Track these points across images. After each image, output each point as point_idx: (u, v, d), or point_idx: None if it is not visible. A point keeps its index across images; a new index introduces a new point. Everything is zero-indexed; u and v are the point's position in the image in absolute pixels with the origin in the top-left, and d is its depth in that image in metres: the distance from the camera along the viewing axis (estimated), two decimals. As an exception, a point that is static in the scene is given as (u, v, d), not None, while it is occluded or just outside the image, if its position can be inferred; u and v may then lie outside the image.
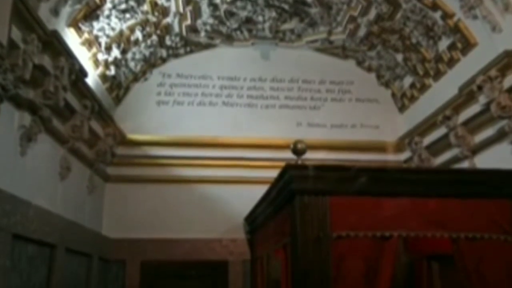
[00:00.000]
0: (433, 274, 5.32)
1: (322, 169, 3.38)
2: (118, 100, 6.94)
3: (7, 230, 3.65)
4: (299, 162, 3.50)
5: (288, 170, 3.39)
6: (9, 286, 3.74)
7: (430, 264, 5.37)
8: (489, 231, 3.47)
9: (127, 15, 5.91)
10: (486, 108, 5.06)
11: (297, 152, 3.55)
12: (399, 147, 7.29)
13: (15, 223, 3.79)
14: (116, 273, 6.55)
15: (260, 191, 4.64)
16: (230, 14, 6.77)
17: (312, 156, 3.49)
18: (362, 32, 6.78)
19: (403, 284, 5.60)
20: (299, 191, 3.38)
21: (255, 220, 5.40)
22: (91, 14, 5.37)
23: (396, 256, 3.55)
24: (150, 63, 7.20)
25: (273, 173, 3.80)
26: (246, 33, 7.27)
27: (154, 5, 6.08)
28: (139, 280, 6.53)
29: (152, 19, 6.28)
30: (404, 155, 7.23)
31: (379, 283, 3.31)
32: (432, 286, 5.30)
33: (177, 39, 7.04)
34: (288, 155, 3.64)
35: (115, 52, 6.17)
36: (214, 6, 6.55)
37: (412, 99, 7.02)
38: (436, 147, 6.29)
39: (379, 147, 7.33)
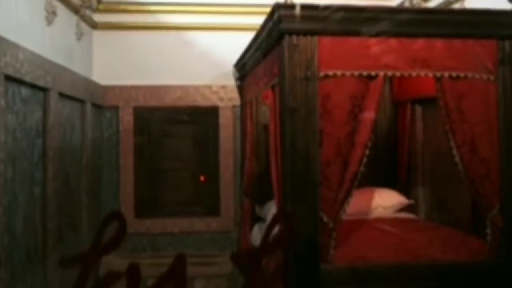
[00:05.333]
0: (415, 117, 5.56)
1: (311, 8, 3.38)
2: None
3: (-1, 71, 3.70)
4: (288, 1, 3.47)
5: (276, 10, 3.39)
6: (7, 125, 3.87)
7: (413, 108, 5.59)
8: (473, 71, 3.58)
9: None
10: None
11: (287, -10, 3.50)
12: (391, -8, 7.14)
13: (5, 64, 3.80)
14: (110, 119, 6.73)
15: (249, 38, 4.66)
16: None
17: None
18: None
19: (387, 126, 5.88)
20: (288, 31, 3.41)
21: (245, 66, 5.47)
22: None
23: (381, 96, 3.68)
24: None
25: (262, 20, 3.79)
26: None
27: None
28: (132, 125, 6.72)
29: None
30: (396, 1, 7.11)
31: (363, 120, 3.48)
32: (414, 128, 5.56)
33: None
34: (278, -1, 3.58)
35: None
36: None
37: None
38: (428, -8, 6.17)
39: (371, -7, 7.17)
